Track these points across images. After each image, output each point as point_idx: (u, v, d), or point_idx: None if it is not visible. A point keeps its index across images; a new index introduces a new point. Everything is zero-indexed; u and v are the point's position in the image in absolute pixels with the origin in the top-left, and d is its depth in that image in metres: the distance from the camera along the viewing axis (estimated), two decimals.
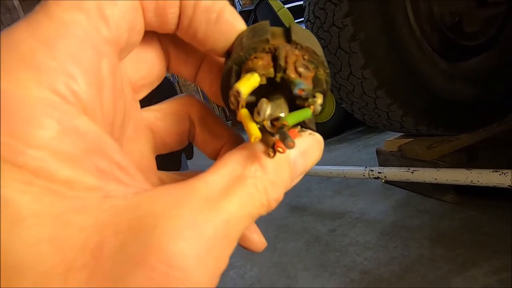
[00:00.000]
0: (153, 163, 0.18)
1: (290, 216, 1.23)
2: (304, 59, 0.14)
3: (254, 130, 0.12)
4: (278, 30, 0.14)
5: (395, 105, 0.96)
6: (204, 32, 0.14)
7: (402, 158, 1.12)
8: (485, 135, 1.05)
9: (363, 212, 1.11)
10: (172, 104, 0.18)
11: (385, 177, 1.03)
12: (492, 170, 0.79)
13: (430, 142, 1.04)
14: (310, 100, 0.13)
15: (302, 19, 1.18)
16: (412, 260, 0.81)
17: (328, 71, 0.14)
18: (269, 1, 2.44)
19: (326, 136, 2.24)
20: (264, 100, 0.12)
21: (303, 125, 0.14)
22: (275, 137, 0.13)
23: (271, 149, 0.13)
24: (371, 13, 0.91)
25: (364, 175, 1.08)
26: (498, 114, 1.07)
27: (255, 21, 2.70)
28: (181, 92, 5.56)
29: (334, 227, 1.06)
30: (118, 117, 0.13)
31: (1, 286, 0.09)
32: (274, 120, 0.12)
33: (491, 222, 0.86)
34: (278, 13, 2.43)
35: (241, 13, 3.83)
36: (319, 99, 0.13)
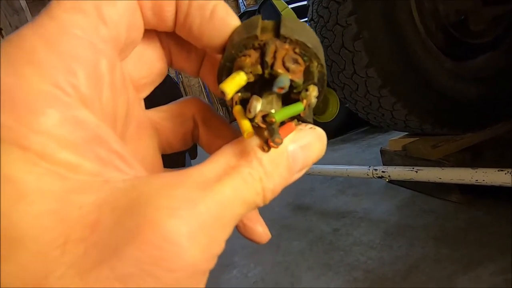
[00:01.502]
0: (159, 161, 0.18)
1: (294, 216, 1.23)
2: (295, 52, 0.13)
3: (246, 126, 0.13)
4: (269, 24, 0.14)
5: (399, 104, 0.96)
6: (199, 29, 0.14)
7: (406, 158, 1.11)
8: (491, 134, 1.04)
9: (367, 211, 1.11)
10: (177, 105, 0.19)
11: (389, 176, 1.02)
12: (497, 169, 0.78)
13: (434, 142, 1.03)
14: (302, 93, 0.13)
15: (306, 18, 1.18)
16: (416, 260, 0.81)
17: (322, 62, 0.14)
18: (273, 1, 2.44)
19: (330, 135, 2.24)
20: (255, 97, 0.13)
21: (299, 118, 0.14)
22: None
23: (265, 143, 0.13)
24: (375, 12, 0.91)
25: (368, 175, 1.07)
26: (504, 114, 1.06)
27: None
28: (185, 92, 5.58)
29: (338, 227, 1.06)
30: (120, 113, 0.14)
31: (4, 255, 0.09)
32: (265, 116, 0.13)
33: (496, 221, 0.85)
34: (282, 13, 2.43)
35: (245, 13, 3.82)
36: (313, 92, 0.13)
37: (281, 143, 0.12)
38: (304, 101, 0.13)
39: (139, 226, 0.10)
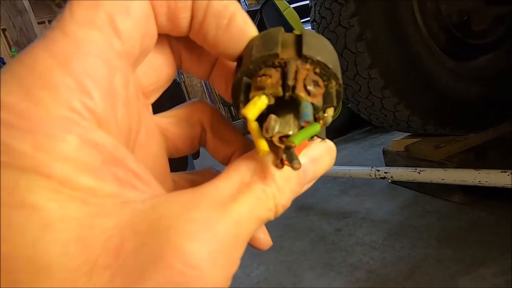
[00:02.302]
0: (166, 166, 0.18)
1: (296, 216, 1.23)
2: (315, 73, 0.13)
3: (262, 145, 0.12)
4: (289, 38, 0.14)
5: (401, 104, 0.96)
6: (215, 37, 0.14)
7: (408, 158, 1.11)
8: (494, 135, 1.04)
9: (369, 212, 1.11)
10: (184, 110, 0.18)
11: (391, 177, 1.02)
12: (500, 170, 0.78)
13: (437, 142, 1.03)
14: (320, 114, 0.13)
15: (308, 18, 1.18)
16: (419, 260, 0.81)
17: (340, 82, 0.14)
18: (275, 1, 2.44)
19: (332, 136, 2.23)
20: (272, 117, 0.12)
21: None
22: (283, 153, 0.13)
23: (279, 161, 0.13)
24: (377, 13, 0.91)
25: (370, 175, 1.08)
26: (507, 114, 1.05)
27: (261, 20, 2.70)
28: (187, 92, 5.56)
29: (340, 227, 1.06)
30: (132, 125, 0.14)
31: (32, 284, 0.10)
32: (283, 136, 0.12)
33: (499, 222, 0.85)
34: (284, 13, 2.43)
35: (247, 13, 3.81)
36: (330, 112, 0.13)
37: (299, 168, 0.12)
38: (321, 121, 0.13)
39: (162, 251, 0.10)
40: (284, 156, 0.13)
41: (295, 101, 0.13)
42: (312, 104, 0.13)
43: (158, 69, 0.16)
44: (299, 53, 0.13)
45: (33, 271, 0.10)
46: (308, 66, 0.13)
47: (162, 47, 0.16)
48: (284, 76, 0.13)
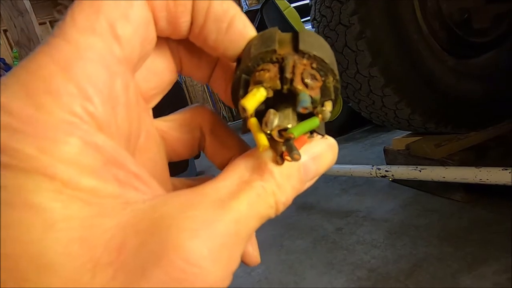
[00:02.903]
0: (166, 170, 0.18)
1: (297, 215, 1.23)
2: (312, 67, 0.13)
3: (262, 140, 0.13)
4: (286, 36, 0.14)
5: (402, 103, 0.96)
6: (215, 40, 0.14)
7: (410, 157, 1.11)
8: (495, 133, 1.04)
9: (370, 210, 1.11)
10: (184, 114, 0.19)
11: (392, 175, 1.02)
12: (501, 168, 0.78)
13: (438, 141, 1.03)
14: (318, 108, 0.13)
15: (309, 17, 1.18)
16: (420, 259, 0.81)
17: (337, 77, 0.14)
18: (276, 0, 2.44)
19: (333, 134, 2.22)
20: (271, 111, 0.13)
21: (312, 130, 0.14)
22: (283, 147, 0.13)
23: (279, 157, 0.13)
24: (377, 11, 0.90)
25: (371, 174, 1.08)
26: (508, 112, 1.05)
27: (262, 20, 2.70)
28: (188, 92, 5.57)
29: (341, 226, 1.06)
30: (133, 128, 0.14)
31: (36, 282, 0.10)
32: (282, 130, 0.13)
33: (500, 220, 0.85)
34: (284, 12, 2.43)
35: (248, 12, 3.81)
36: (328, 107, 0.13)
37: (299, 159, 0.13)
38: (320, 115, 0.13)
39: (163, 249, 0.10)
40: (283, 149, 0.13)
41: (293, 95, 0.13)
42: (310, 97, 0.13)
43: (159, 74, 0.16)
44: (296, 49, 0.14)
45: (38, 269, 0.10)
46: (305, 61, 0.13)
47: (162, 52, 0.16)
48: (282, 71, 0.13)
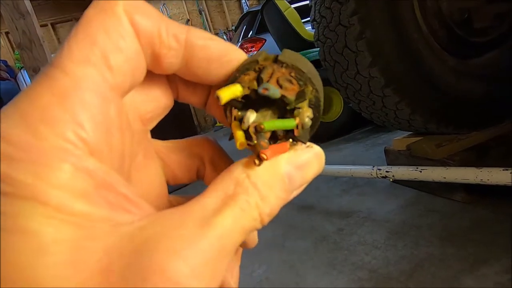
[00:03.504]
0: (164, 189, 0.19)
1: (298, 215, 1.23)
2: (291, 75, 0.14)
3: (239, 135, 0.13)
4: (271, 56, 0.15)
5: (402, 103, 0.96)
6: (206, 75, 0.15)
7: (410, 157, 1.11)
8: (495, 133, 1.04)
9: (371, 211, 1.11)
10: (186, 141, 0.20)
11: (393, 176, 1.02)
12: (502, 168, 0.78)
13: (439, 141, 1.03)
14: (295, 111, 0.14)
15: (309, 18, 1.18)
16: (421, 259, 0.81)
17: (317, 88, 0.15)
18: (276, 1, 2.45)
19: (334, 135, 2.23)
20: (250, 110, 0.14)
21: (294, 138, 0.15)
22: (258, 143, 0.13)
23: (257, 157, 0.13)
24: (377, 11, 0.91)
25: (372, 175, 1.08)
26: (509, 112, 1.05)
27: (262, 21, 2.70)
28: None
29: (342, 226, 1.06)
30: (127, 149, 0.15)
31: None
32: (257, 127, 0.13)
33: (502, 221, 0.85)
34: (284, 13, 2.44)
35: (248, 13, 3.82)
36: (306, 111, 0.14)
37: (266, 147, 0.13)
38: (297, 118, 0.14)
39: (147, 271, 0.11)
40: (260, 148, 0.13)
41: (278, 103, 0.14)
42: (284, 97, 0.14)
43: (156, 98, 0.17)
44: (276, 60, 0.15)
45: None
46: (283, 70, 0.14)
47: (159, 79, 0.17)
48: (260, 74, 0.14)
